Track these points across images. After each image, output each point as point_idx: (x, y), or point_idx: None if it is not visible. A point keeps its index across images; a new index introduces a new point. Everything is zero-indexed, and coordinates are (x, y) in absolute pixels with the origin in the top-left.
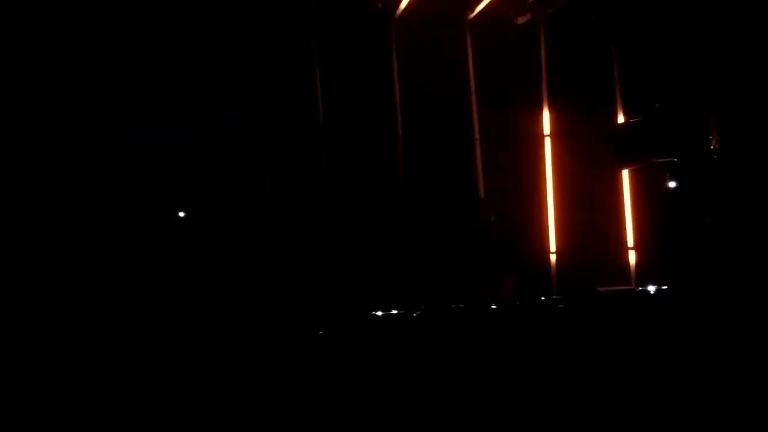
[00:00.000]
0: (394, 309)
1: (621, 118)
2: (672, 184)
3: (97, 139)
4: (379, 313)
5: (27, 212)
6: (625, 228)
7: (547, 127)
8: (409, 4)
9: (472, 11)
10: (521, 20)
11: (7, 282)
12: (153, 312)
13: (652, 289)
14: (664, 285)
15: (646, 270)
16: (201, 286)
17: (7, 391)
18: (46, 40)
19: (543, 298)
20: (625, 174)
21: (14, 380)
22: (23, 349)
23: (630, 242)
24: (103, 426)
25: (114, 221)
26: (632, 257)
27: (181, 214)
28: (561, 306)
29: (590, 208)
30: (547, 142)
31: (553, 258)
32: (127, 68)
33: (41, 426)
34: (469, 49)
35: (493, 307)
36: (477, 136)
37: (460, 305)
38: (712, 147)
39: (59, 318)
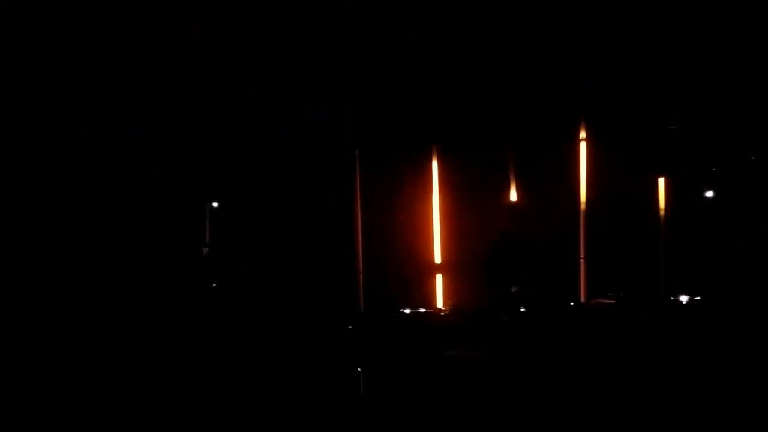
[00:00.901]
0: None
1: (663, 125)
2: (709, 194)
3: (97, 139)
4: (407, 311)
5: (27, 212)
6: (656, 237)
7: (582, 131)
8: None
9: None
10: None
11: (8, 282)
12: (153, 312)
13: (684, 299)
14: (696, 296)
15: (676, 280)
16: (201, 286)
17: (7, 391)
18: (46, 40)
19: (571, 304)
20: (661, 181)
21: (14, 380)
22: (23, 349)
23: (661, 251)
24: (103, 426)
25: (114, 221)
26: (662, 266)
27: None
28: (587, 312)
29: (622, 214)
30: (582, 147)
31: (582, 264)
32: (127, 68)
33: (41, 426)
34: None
35: (522, 310)
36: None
37: (491, 309)
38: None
39: (59, 318)
